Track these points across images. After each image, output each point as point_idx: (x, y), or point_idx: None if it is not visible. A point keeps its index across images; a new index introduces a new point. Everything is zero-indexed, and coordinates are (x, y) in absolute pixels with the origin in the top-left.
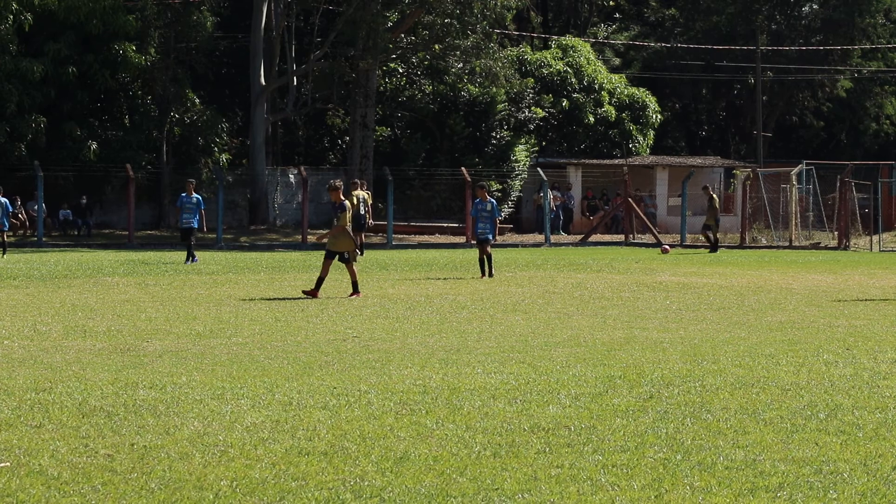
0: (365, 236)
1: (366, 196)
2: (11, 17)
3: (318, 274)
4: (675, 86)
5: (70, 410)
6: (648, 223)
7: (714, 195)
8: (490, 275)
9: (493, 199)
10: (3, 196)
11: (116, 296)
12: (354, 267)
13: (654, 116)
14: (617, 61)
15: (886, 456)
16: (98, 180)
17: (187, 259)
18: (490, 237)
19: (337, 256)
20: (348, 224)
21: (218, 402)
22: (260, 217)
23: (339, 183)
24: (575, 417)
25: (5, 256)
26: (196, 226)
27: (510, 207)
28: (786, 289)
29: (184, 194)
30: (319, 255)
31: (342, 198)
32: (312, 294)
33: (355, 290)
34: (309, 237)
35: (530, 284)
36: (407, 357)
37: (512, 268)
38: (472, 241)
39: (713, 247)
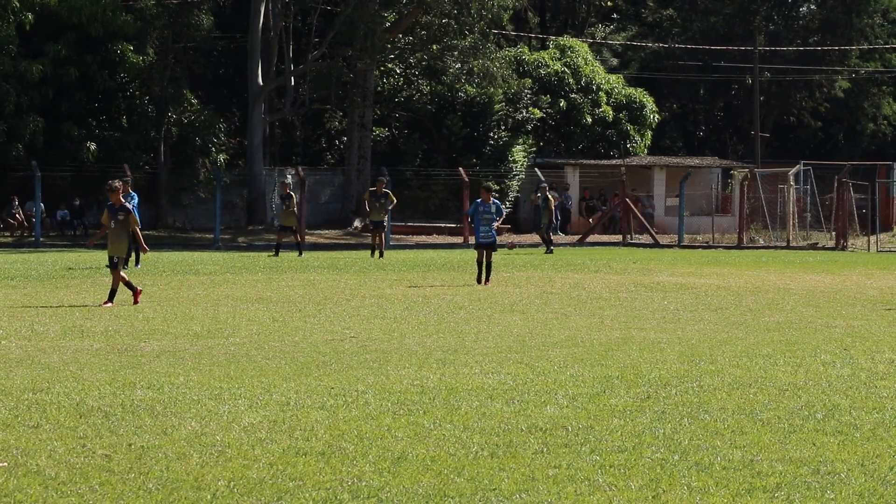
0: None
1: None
2: (13, 17)
3: (313, 275)
4: (673, 86)
5: (67, 411)
6: (646, 223)
7: (550, 196)
8: (486, 281)
9: (497, 201)
10: None
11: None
12: (123, 275)
13: (651, 117)
14: (614, 62)
15: (884, 456)
16: (96, 181)
17: (137, 263)
18: (494, 242)
19: (109, 261)
20: (137, 226)
21: (215, 402)
22: (257, 217)
23: (118, 183)
24: (572, 418)
25: None
26: None
27: (508, 208)
28: (783, 289)
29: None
30: (317, 257)
31: (122, 200)
32: (138, 294)
33: (110, 299)
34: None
35: (528, 285)
36: (404, 357)
37: (510, 268)
38: (471, 243)
39: (548, 246)
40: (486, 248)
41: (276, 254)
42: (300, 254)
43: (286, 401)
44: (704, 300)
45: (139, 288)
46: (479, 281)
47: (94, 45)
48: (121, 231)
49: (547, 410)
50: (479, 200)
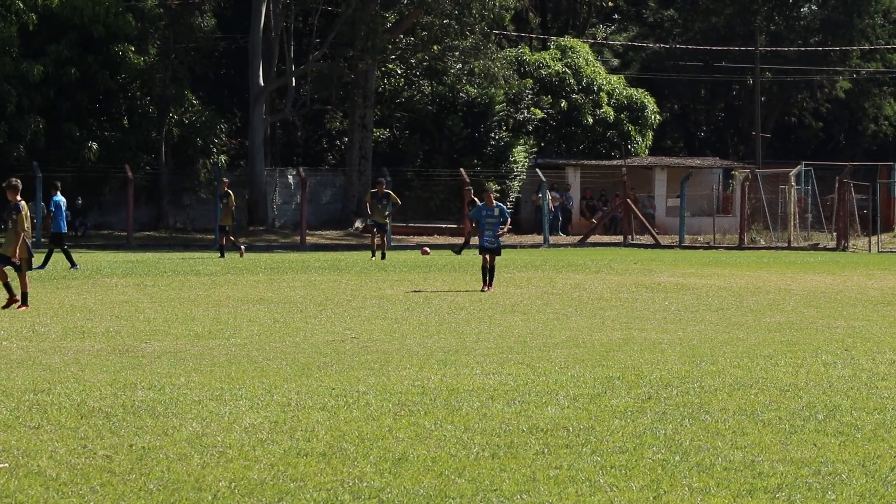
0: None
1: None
2: (15, 17)
3: (315, 275)
4: (674, 86)
5: (68, 411)
6: (647, 224)
7: (232, 193)
8: (489, 286)
9: (500, 204)
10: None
11: (115, 297)
12: (6, 272)
13: (652, 117)
14: (616, 62)
15: (885, 457)
16: (97, 181)
17: (72, 265)
18: (499, 247)
19: (12, 262)
20: (23, 229)
21: (216, 403)
22: (258, 218)
23: (14, 180)
24: (573, 418)
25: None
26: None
27: (509, 209)
28: (784, 290)
29: (57, 196)
30: (318, 257)
31: (18, 198)
32: (13, 302)
33: (24, 302)
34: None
35: (529, 285)
36: (405, 358)
37: (511, 269)
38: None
39: (226, 250)
40: (490, 252)
41: (222, 255)
42: (221, 255)
43: (287, 402)
44: (705, 301)
45: (17, 297)
46: (484, 286)
47: (96, 46)
48: (13, 231)
49: (548, 411)
50: (482, 204)
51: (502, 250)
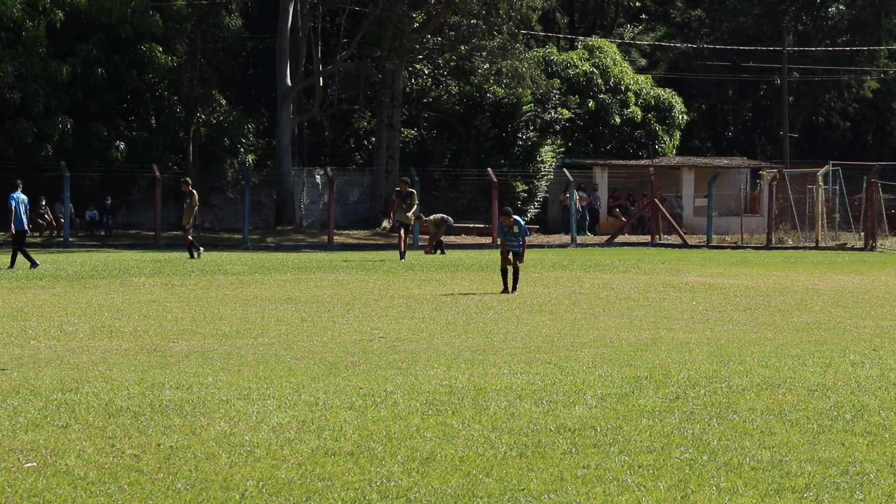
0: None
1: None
2: (42, 17)
3: (342, 275)
4: (702, 86)
5: (96, 411)
6: (675, 224)
7: (196, 194)
8: (514, 289)
9: (518, 219)
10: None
11: (143, 296)
12: None
13: (680, 117)
14: (643, 62)
15: None
16: (124, 181)
17: (32, 264)
18: (520, 251)
19: None
20: None
21: (244, 402)
22: (286, 217)
23: None
24: (601, 418)
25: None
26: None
27: (536, 208)
28: (812, 290)
29: (17, 193)
30: (345, 257)
31: None
32: None
33: None
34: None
35: (556, 285)
36: (433, 357)
37: (538, 268)
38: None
39: (190, 251)
40: (513, 255)
41: (192, 255)
42: (191, 256)
43: (315, 401)
44: (733, 301)
45: None
46: (505, 289)
47: (123, 46)
48: None
49: (576, 411)
50: (500, 223)
51: (524, 256)
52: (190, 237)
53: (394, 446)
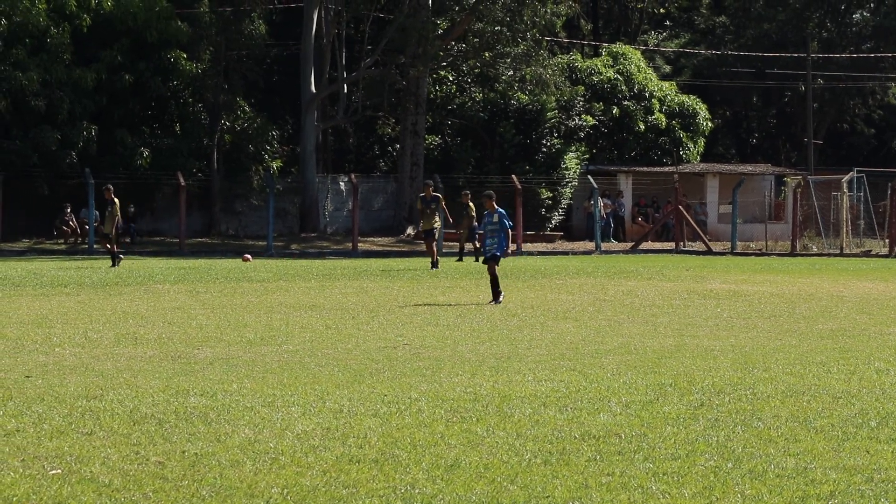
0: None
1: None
2: (67, 23)
3: (367, 282)
4: (726, 93)
5: (121, 418)
6: (699, 231)
7: (117, 202)
8: (494, 300)
9: (501, 209)
10: None
11: (167, 303)
12: None
13: (704, 124)
14: (667, 69)
15: None
16: (149, 188)
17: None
18: (498, 254)
19: None
20: None
21: (269, 409)
22: (310, 224)
23: None
24: (626, 425)
25: None
26: None
27: (561, 215)
28: (837, 297)
29: None
30: (370, 264)
31: None
32: None
33: None
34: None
35: (581, 292)
36: (458, 365)
37: (563, 275)
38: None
39: (113, 259)
40: (488, 261)
41: (114, 264)
42: (113, 264)
43: (339, 408)
44: (757, 308)
45: None
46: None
47: (148, 52)
48: None
49: (600, 418)
50: (485, 211)
51: (500, 259)
52: (109, 245)
53: (418, 453)
